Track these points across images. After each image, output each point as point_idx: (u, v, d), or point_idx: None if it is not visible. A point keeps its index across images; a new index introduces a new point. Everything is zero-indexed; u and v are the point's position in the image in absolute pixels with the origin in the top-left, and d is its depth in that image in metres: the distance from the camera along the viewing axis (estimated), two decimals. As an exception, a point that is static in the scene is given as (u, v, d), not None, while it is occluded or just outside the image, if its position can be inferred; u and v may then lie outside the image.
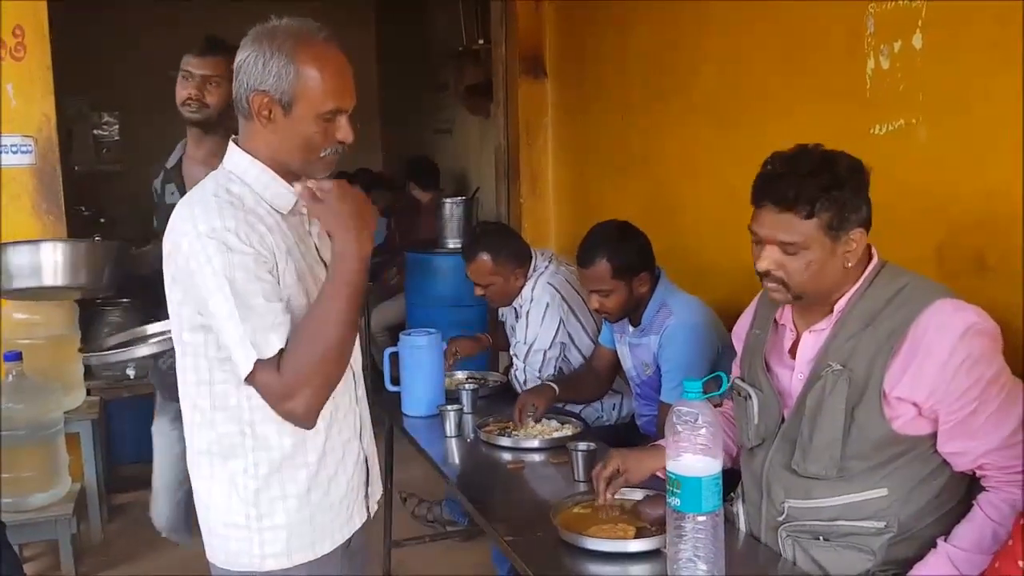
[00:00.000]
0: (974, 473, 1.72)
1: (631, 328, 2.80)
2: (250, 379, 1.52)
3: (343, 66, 1.60)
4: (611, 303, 2.70)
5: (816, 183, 1.66)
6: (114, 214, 5.85)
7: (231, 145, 1.66)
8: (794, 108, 2.65)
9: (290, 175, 1.65)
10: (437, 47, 6.34)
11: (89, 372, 3.97)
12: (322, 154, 1.61)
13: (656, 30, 3.43)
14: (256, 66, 1.56)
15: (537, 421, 2.72)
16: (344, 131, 1.61)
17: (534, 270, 3.22)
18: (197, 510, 1.71)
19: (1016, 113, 1.94)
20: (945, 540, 1.69)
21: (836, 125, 2.45)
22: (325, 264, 1.73)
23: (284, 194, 1.63)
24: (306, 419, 1.56)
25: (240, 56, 1.59)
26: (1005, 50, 1.95)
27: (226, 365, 1.56)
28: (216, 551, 1.67)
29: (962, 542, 1.67)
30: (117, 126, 7.14)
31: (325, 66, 1.57)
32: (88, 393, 3.88)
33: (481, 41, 5.20)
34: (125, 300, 4.36)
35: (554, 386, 2.84)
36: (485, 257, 3.16)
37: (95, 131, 7.11)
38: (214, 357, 1.58)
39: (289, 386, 1.51)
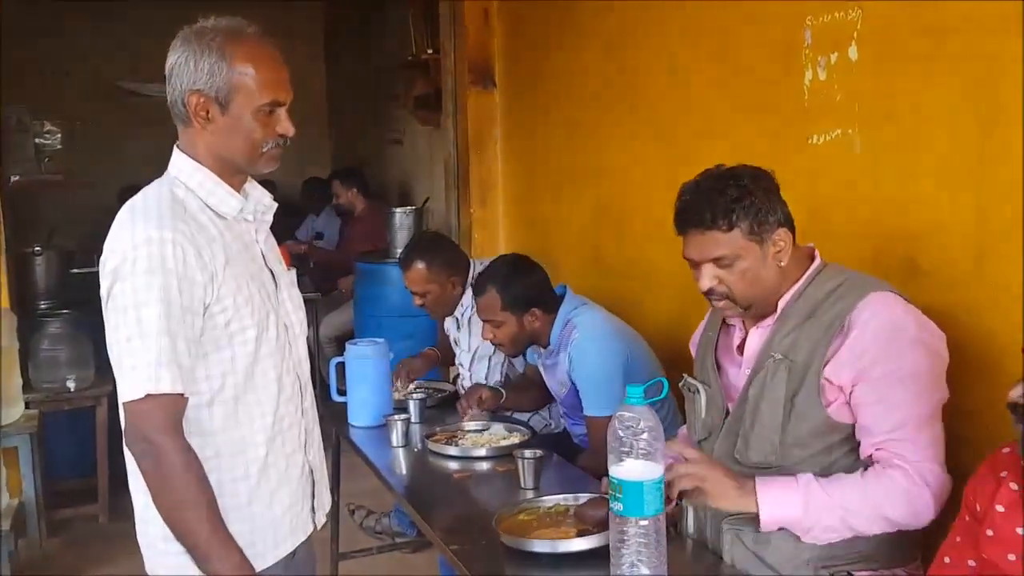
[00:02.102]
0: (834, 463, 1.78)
1: (542, 350, 2.84)
2: (131, 404, 1.49)
3: (276, 59, 1.61)
4: (502, 334, 2.77)
5: (725, 198, 1.77)
6: (54, 223, 5.74)
7: (175, 151, 1.64)
8: (736, 119, 2.69)
9: (237, 175, 1.64)
10: (387, 57, 6.33)
11: (28, 385, 3.88)
12: (264, 149, 1.62)
13: (603, 43, 3.46)
14: (188, 67, 1.56)
15: (481, 408, 2.80)
16: (284, 124, 1.62)
17: (474, 278, 3.23)
18: (136, 525, 1.68)
19: (942, 123, 2.00)
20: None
21: (776, 135, 2.49)
22: (272, 272, 1.71)
23: (228, 200, 1.62)
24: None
25: (171, 60, 1.58)
26: (935, 62, 2.01)
27: None
28: (156, 566, 1.64)
29: (822, 478, 1.72)
30: (59, 135, 7.02)
31: (258, 60, 1.57)
32: (27, 406, 3.79)
33: (430, 51, 5.19)
34: (66, 311, 4.28)
35: (502, 391, 2.92)
36: (420, 265, 3.18)
37: (36, 140, 6.97)
38: None
39: (158, 442, 1.49)
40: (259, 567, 1.62)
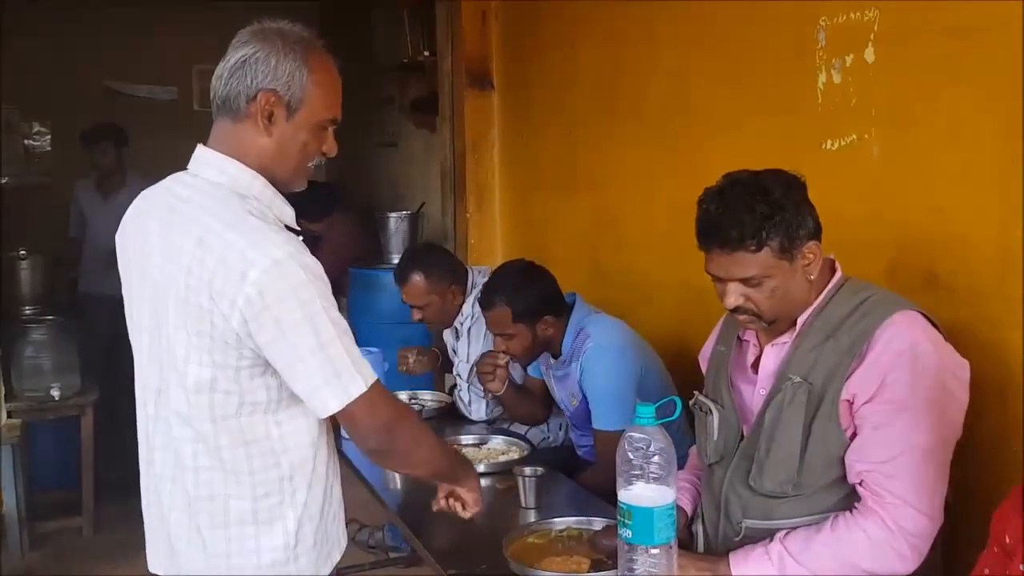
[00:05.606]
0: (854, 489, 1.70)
1: (553, 360, 2.75)
2: (344, 412, 1.48)
3: (339, 78, 1.61)
4: (515, 347, 2.67)
5: (755, 215, 1.64)
6: (41, 226, 5.67)
7: (215, 155, 1.53)
8: (743, 123, 2.62)
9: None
10: (382, 59, 6.26)
11: (11, 393, 3.79)
12: (309, 164, 1.60)
13: (604, 45, 3.40)
14: (267, 64, 1.50)
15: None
16: (330, 143, 1.61)
17: (473, 287, 3.15)
18: (195, 559, 1.57)
19: (964, 129, 1.93)
20: (784, 537, 1.69)
21: (786, 140, 2.42)
22: None
23: (284, 208, 1.58)
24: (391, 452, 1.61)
25: (244, 51, 1.51)
26: (956, 65, 1.94)
27: (255, 395, 1.48)
28: (215, 568, 1.55)
29: (792, 545, 1.67)
30: (49, 136, 6.94)
31: (330, 76, 1.58)
32: (9, 416, 3.70)
33: (427, 53, 5.12)
34: (52, 317, 4.18)
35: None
36: (418, 277, 3.08)
37: (26, 141, 6.90)
38: (243, 390, 1.48)
39: (390, 420, 1.55)
40: (333, 562, 1.64)
